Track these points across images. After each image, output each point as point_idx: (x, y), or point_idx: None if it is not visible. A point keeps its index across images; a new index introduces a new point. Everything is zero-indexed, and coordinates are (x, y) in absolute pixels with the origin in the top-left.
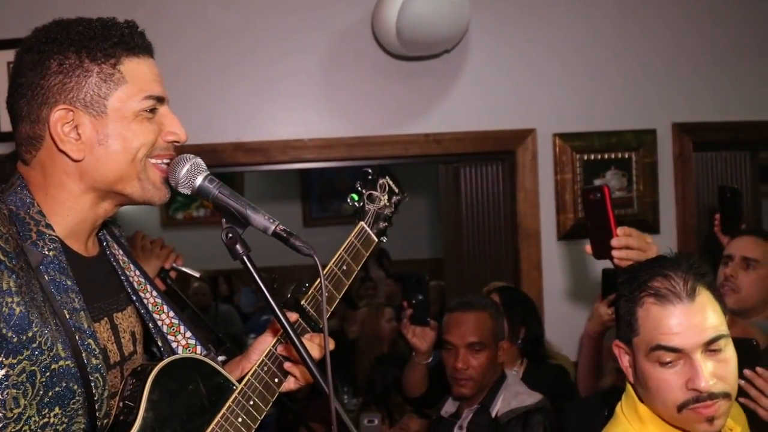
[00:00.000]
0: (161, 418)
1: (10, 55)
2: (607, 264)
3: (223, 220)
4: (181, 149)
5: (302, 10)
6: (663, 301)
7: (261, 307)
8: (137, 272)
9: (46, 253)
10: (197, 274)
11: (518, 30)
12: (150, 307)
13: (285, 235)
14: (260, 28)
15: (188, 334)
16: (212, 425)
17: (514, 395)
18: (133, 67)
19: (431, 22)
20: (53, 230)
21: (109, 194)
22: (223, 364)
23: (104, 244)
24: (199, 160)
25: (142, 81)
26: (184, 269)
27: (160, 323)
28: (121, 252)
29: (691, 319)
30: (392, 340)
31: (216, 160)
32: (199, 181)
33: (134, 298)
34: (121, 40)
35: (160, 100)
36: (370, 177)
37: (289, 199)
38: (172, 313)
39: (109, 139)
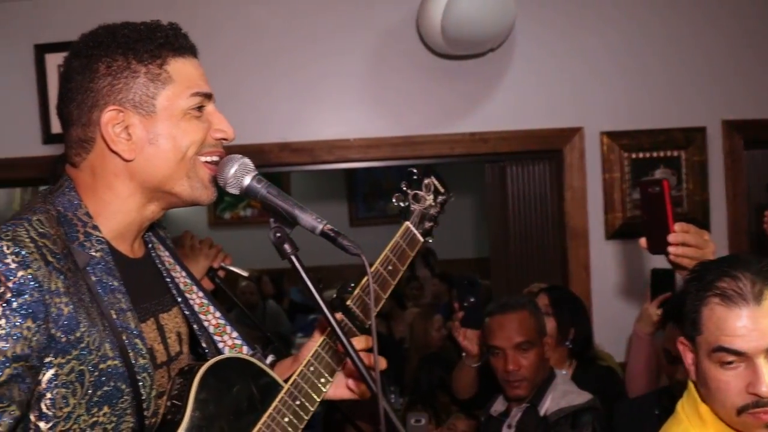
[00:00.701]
0: (208, 417)
1: (60, 58)
2: (656, 264)
3: (271, 219)
4: (228, 149)
5: (346, 10)
6: (728, 302)
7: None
8: (183, 273)
9: (93, 254)
10: (246, 273)
11: (564, 27)
12: (196, 308)
13: (333, 234)
14: (305, 28)
15: (234, 334)
16: (259, 425)
17: (563, 394)
18: (179, 67)
19: (476, 20)
20: (100, 231)
21: (157, 195)
22: (273, 364)
23: (150, 246)
24: (247, 161)
25: (188, 79)
26: (232, 268)
27: (206, 324)
28: (167, 253)
29: (756, 323)
30: (440, 346)
31: (262, 160)
32: (247, 181)
33: (180, 299)
34: (166, 42)
35: (208, 96)
36: (415, 177)
37: (335, 198)
38: (218, 314)
39: (159, 138)
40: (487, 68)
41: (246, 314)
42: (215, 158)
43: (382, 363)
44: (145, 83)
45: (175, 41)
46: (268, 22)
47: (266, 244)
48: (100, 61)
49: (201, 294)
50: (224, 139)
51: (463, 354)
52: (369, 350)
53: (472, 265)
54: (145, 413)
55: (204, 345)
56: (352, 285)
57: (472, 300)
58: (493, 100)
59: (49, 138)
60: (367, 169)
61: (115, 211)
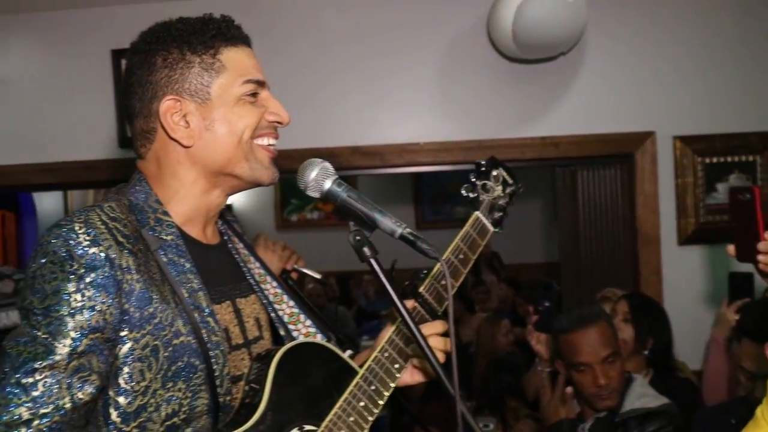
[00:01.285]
0: (285, 401)
1: None
2: (735, 268)
3: (351, 223)
4: (300, 153)
5: (417, 15)
6: None
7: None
8: (258, 264)
9: (164, 237)
10: (318, 276)
11: (636, 30)
12: (271, 297)
13: (412, 238)
14: (376, 32)
15: (308, 322)
16: (335, 408)
17: (639, 396)
18: (232, 56)
19: (548, 24)
20: (170, 217)
21: (220, 179)
22: (351, 358)
23: (225, 237)
24: (328, 165)
25: (241, 67)
26: (305, 270)
27: (281, 313)
28: (242, 245)
29: None
30: (508, 351)
31: (333, 164)
32: (327, 185)
33: (256, 289)
34: (218, 33)
35: (260, 83)
36: (483, 168)
37: (402, 202)
38: (292, 303)
39: (215, 124)
40: (559, 72)
41: (317, 315)
42: (272, 141)
43: (446, 344)
44: (199, 73)
45: (228, 32)
46: (341, 28)
47: (332, 247)
48: (157, 54)
49: (275, 284)
50: (278, 123)
51: (536, 359)
52: (443, 335)
53: (540, 270)
54: (218, 390)
55: (282, 333)
56: (425, 272)
57: (546, 304)
58: (564, 103)
59: (125, 141)
60: (434, 172)
61: (182, 197)
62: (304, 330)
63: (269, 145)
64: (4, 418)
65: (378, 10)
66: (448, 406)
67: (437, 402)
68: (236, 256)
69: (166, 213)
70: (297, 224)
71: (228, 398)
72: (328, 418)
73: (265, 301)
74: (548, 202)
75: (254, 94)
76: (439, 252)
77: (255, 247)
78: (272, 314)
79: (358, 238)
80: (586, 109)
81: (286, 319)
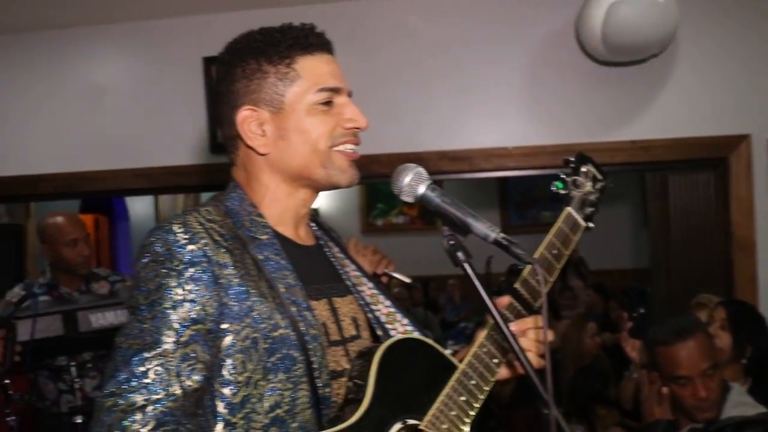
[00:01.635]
0: (388, 396)
1: None
2: None
3: (444, 227)
4: (387, 158)
5: (504, 19)
6: None
7: (463, 318)
8: (353, 267)
9: (260, 237)
10: (408, 280)
11: (729, 31)
12: (367, 298)
13: (505, 242)
14: (462, 37)
15: (405, 321)
16: (437, 403)
17: (736, 405)
18: (307, 64)
19: (639, 25)
20: (264, 218)
21: (300, 182)
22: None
23: (321, 242)
24: (422, 170)
25: (315, 76)
26: (395, 275)
27: (378, 313)
28: (338, 249)
29: None
30: (595, 354)
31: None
32: (421, 189)
33: (353, 290)
34: (295, 42)
35: (335, 91)
36: (572, 165)
37: (488, 206)
38: (388, 302)
39: (289, 133)
40: (649, 74)
41: (413, 314)
42: (352, 146)
43: (549, 335)
44: (274, 82)
45: (305, 40)
46: (427, 33)
47: (416, 251)
48: (237, 66)
49: (371, 285)
50: (356, 128)
51: (631, 366)
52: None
53: (628, 276)
54: (317, 382)
55: (380, 333)
56: (520, 267)
57: (641, 311)
58: (655, 106)
59: (216, 147)
60: (520, 177)
61: (271, 200)
62: (402, 328)
63: (349, 149)
64: (121, 404)
65: (465, 14)
66: (535, 413)
67: (525, 409)
68: (332, 259)
69: (260, 215)
70: (382, 228)
71: (328, 391)
72: (430, 413)
73: (362, 302)
74: (636, 206)
75: (328, 102)
76: (533, 258)
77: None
78: (369, 315)
79: (451, 242)
80: (677, 112)
81: (383, 318)
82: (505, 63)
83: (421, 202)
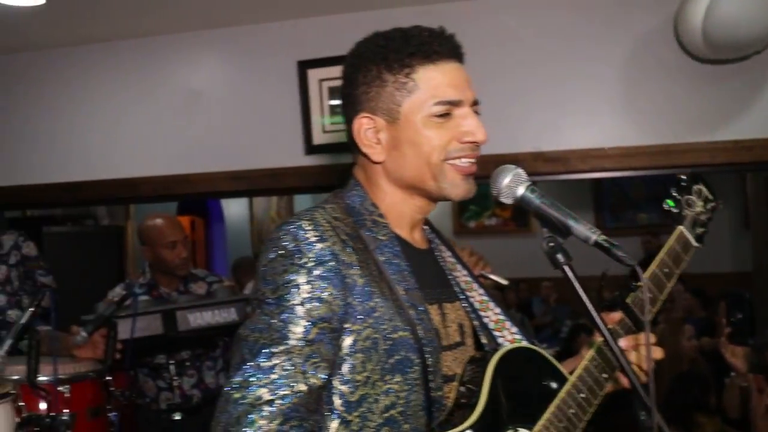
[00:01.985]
0: (501, 403)
1: (321, 73)
2: None
3: (544, 229)
4: (481, 159)
5: (600, 18)
6: None
7: (555, 320)
8: (464, 272)
9: (381, 238)
10: (505, 282)
11: None
12: (476, 305)
13: (607, 245)
14: (559, 36)
15: (514, 329)
16: (547, 413)
17: None
18: (428, 75)
19: (741, 22)
20: (385, 219)
21: (413, 191)
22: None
23: (433, 245)
24: (521, 171)
25: (434, 87)
26: (492, 277)
27: (486, 320)
28: (449, 253)
29: None
30: (692, 358)
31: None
32: (521, 191)
33: (461, 296)
34: (418, 50)
35: (454, 104)
36: (684, 183)
37: (582, 208)
38: (498, 310)
39: (402, 144)
40: (751, 71)
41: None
42: (468, 161)
43: (657, 353)
44: (391, 92)
45: (429, 48)
46: (522, 32)
47: (508, 253)
48: (358, 71)
49: (481, 291)
50: (473, 142)
51: (732, 373)
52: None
53: (729, 280)
54: (431, 385)
55: (485, 341)
56: (634, 284)
57: (739, 316)
58: (758, 105)
59: (310, 149)
60: (614, 178)
61: (388, 204)
62: (510, 337)
63: (464, 163)
64: (248, 398)
65: (560, 12)
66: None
67: (621, 413)
68: (442, 263)
69: (381, 216)
70: (474, 230)
71: (440, 394)
72: (540, 422)
73: (469, 309)
74: (737, 208)
75: (446, 114)
76: (635, 260)
77: None
78: (476, 322)
79: (551, 244)
80: None
81: (491, 326)
82: (603, 61)
83: (520, 203)
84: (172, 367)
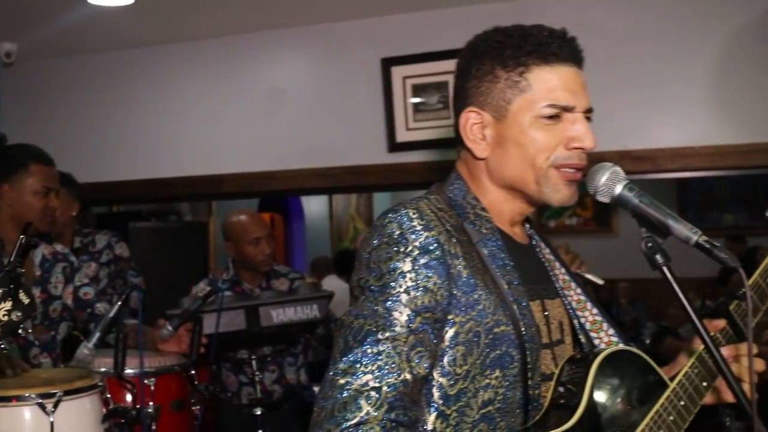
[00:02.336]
0: (601, 406)
1: (404, 71)
2: None
3: (642, 229)
4: None
5: (691, 12)
6: None
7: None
8: (563, 270)
9: (484, 231)
10: (601, 282)
11: None
12: (574, 304)
13: (708, 246)
14: (646, 31)
15: (611, 331)
16: (647, 419)
17: None
18: (542, 76)
19: None
20: (488, 213)
21: (513, 192)
22: None
23: (533, 241)
24: (618, 169)
25: (547, 90)
26: (588, 276)
27: (582, 320)
28: (548, 250)
29: None
30: None
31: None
32: (618, 189)
33: (561, 294)
34: (535, 49)
35: (567, 108)
36: None
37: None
38: (595, 311)
39: (507, 143)
40: None
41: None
42: (572, 169)
43: (760, 364)
44: (503, 89)
45: (546, 48)
46: (609, 29)
47: (589, 253)
48: (472, 64)
49: (579, 291)
50: (580, 149)
51: None
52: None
53: None
54: (530, 383)
55: (583, 340)
56: (740, 292)
57: None
58: None
59: (393, 146)
60: (700, 178)
61: (491, 200)
62: (606, 339)
63: (569, 170)
64: (354, 384)
65: (648, 7)
66: (718, 424)
67: (708, 420)
68: (542, 259)
69: (484, 209)
70: (555, 229)
71: (538, 393)
72: (639, 428)
73: (568, 307)
74: None
75: (555, 117)
76: (738, 262)
77: None
78: (574, 321)
79: (650, 244)
80: None
81: (588, 326)
82: (693, 57)
83: (618, 202)
84: (254, 363)
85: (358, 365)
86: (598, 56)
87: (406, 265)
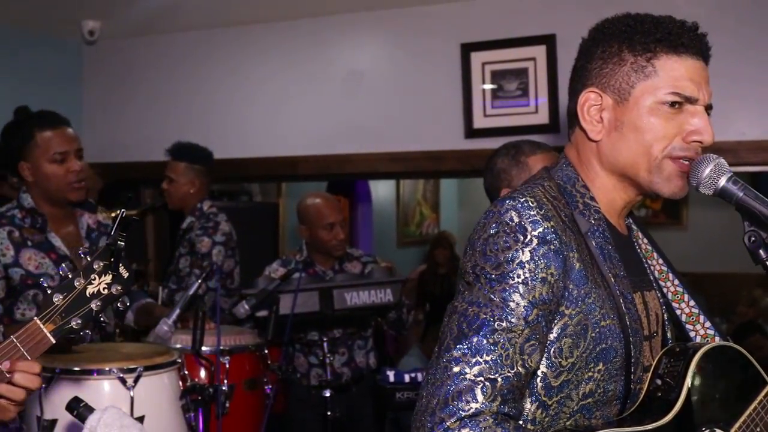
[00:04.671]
0: (699, 401)
1: (484, 56)
2: None
3: (746, 223)
4: None
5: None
6: None
7: None
8: (660, 261)
9: (592, 222)
10: None
11: None
12: (670, 295)
13: None
14: (730, 23)
15: (708, 324)
16: (744, 416)
17: None
18: (669, 64)
19: None
20: (597, 203)
21: (623, 179)
22: None
23: (631, 230)
24: (723, 161)
25: (672, 78)
26: None
27: (678, 312)
28: (646, 240)
29: None
30: None
31: None
32: (722, 182)
33: (656, 285)
34: (665, 38)
35: (690, 100)
36: None
37: None
38: (692, 302)
39: (624, 127)
40: None
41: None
42: (687, 162)
43: None
44: (628, 72)
45: (676, 39)
46: (693, 15)
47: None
48: (598, 45)
49: (676, 282)
50: (698, 142)
51: None
52: None
53: None
54: (632, 377)
55: (678, 333)
56: None
57: None
58: None
59: (471, 132)
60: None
61: (599, 187)
62: (702, 332)
63: (683, 161)
64: (469, 373)
65: None
66: None
67: None
68: (638, 250)
69: (592, 198)
70: None
71: (639, 386)
72: (736, 425)
73: (662, 299)
74: None
75: (676, 105)
76: None
77: None
78: (668, 314)
79: (753, 239)
80: None
81: (684, 318)
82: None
83: (721, 195)
84: (324, 344)
85: (473, 354)
86: None
87: (525, 255)
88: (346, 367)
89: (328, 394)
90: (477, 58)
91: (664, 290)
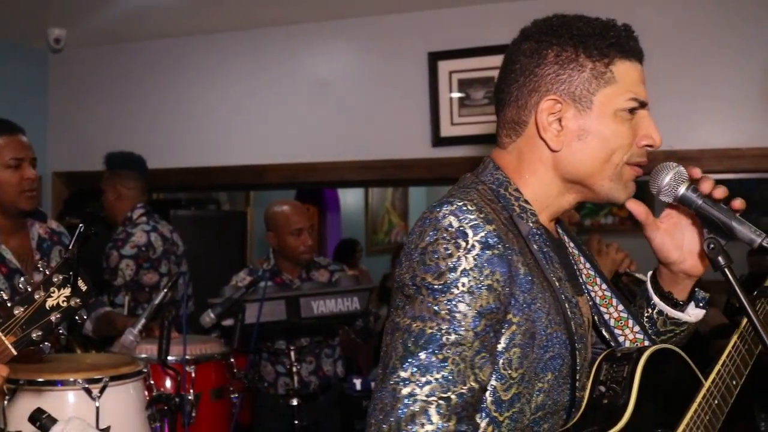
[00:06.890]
0: (644, 406)
1: (452, 65)
2: None
3: (705, 230)
4: None
5: (738, 15)
6: None
7: None
8: (587, 265)
9: (530, 225)
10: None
11: None
12: (597, 300)
13: None
14: (694, 32)
15: (636, 328)
16: (686, 419)
17: None
18: (624, 69)
19: None
20: (532, 206)
21: (576, 187)
22: None
23: (559, 234)
24: (682, 169)
25: (630, 83)
26: (637, 275)
27: (606, 316)
28: (573, 244)
29: None
30: None
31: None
32: (681, 190)
33: (585, 289)
34: (616, 42)
35: (643, 104)
36: None
37: None
38: (621, 307)
39: (588, 135)
40: None
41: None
42: (640, 167)
43: None
44: (588, 79)
45: (626, 43)
46: (658, 26)
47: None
48: (550, 48)
49: (604, 286)
50: (650, 146)
51: None
52: None
53: None
54: (577, 384)
55: (607, 336)
56: None
57: None
58: None
59: (438, 141)
60: (739, 180)
61: (538, 195)
62: (631, 336)
63: (640, 167)
64: (421, 393)
65: (699, 6)
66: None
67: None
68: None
69: (527, 202)
70: (589, 228)
71: (582, 394)
72: (680, 428)
73: (591, 303)
74: None
75: (633, 111)
76: None
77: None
78: (596, 318)
79: (712, 246)
80: None
81: (612, 323)
82: (742, 57)
83: (681, 202)
84: (291, 353)
85: (422, 373)
86: (646, 54)
87: (468, 262)
88: (313, 375)
89: (295, 403)
90: (444, 66)
91: (592, 294)
